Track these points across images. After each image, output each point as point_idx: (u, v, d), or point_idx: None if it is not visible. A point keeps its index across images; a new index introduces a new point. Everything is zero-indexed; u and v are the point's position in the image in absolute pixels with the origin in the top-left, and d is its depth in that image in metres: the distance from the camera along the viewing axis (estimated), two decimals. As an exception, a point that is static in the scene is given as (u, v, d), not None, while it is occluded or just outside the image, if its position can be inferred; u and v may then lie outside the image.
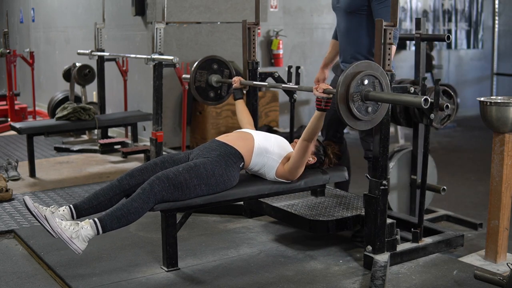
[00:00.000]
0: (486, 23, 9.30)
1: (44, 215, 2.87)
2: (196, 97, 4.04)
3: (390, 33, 3.04)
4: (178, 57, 4.66)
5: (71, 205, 3.07)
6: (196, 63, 4.00)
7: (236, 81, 3.80)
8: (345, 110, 2.86)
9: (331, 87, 3.04)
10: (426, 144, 3.46)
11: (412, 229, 3.42)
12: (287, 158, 3.36)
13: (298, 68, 4.00)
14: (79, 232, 2.86)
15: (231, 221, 4.04)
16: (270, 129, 6.41)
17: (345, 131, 3.99)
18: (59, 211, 3.01)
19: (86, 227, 2.88)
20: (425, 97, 2.66)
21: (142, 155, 5.84)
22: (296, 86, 3.44)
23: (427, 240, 3.42)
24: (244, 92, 3.88)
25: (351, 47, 3.66)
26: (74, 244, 2.85)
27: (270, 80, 3.99)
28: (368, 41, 3.61)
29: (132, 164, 5.72)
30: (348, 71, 2.84)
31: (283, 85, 3.69)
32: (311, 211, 3.61)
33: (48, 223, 2.84)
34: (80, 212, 3.07)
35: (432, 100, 3.36)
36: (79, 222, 2.91)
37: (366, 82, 2.86)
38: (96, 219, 2.90)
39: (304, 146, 3.22)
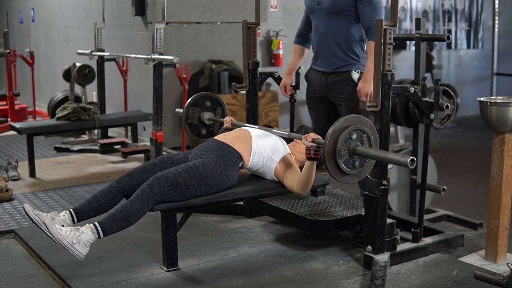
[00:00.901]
0: (486, 23, 9.30)
1: (44, 222, 2.87)
2: (188, 134, 4.07)
3: (390, 33, 3.04)
4: (178, 57, 4.67)
5: (71, 210, 3.07)
6: (189, 100, 4.01)
7: (228, 121, 3.80)
8: (333, 164, 2.90)
9: (320, 137, 3.08)
10: (426, 144, 3.46)
11: (412, 229, 3.42)
12: (285, 159, 3.36)
13: (297, 69, 4.00)
14: (80, 238, 2.86)
15: (231, 221, 4.04)
16: (270, 129, 6.41)
17: None
18: (59, 216, 3.00)
19: (87, 231, 2.88)
20: (411, 157, 2.70)
21: (142, 155, 5.84)
22: (286, 133, 3.42)
23: (427, 240, 3.42)
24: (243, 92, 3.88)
25: (334, 47, 3.65)
26: (76, 250, 2.85)
27: (270, 80, 3.98)
28: (353, 41, 3.62)
29: (132, 164, 5.72)
30: (337, 125, 2.88)
31: (273, 129, 3.58)
32: (311, 211, 3.61)
33: (49, 230, 2.85)
34: (80, 215, 3.07)
35: (432, 100, 3.36)
36: (79, 227, 2.91)
37: (354, 136, 2.91)
38: (96, 223, 2.90)
39: (303, 188, 3.20)
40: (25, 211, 2.91)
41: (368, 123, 2.97)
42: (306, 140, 3.07)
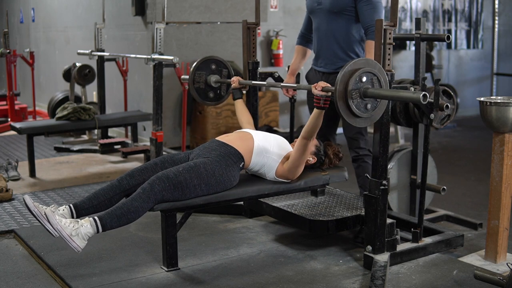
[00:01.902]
0: (486, 23, 9.30)
1: (44, 213, 2.86)
2: (196, 98, 4.04)
3: (390, 33, 3.04)
4: (178, 57, 4.67)
5: (71, 205, 3.07)
6: (194, 64, 3.99)
7: (235, 81, 3.80)
8: (344, 107, 2.86)
9: (329, 85, 3.04)
10: (426, 144, 3.46)
11: (412, 229, 3.42)
12: (286, 158, 3.37)
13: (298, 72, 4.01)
14: (79, 230, 2.86)
15: (231, 221, 4.04)
16: (270, 129, 6.41)
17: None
18: (59, 210, 3.01)
19: (86, 225, 2.88)
20: (423, 92, 2.66)
21: (142, 155, 5.84)
22: (295, 85, 3.44)
23: (427, 240, 3.42)
24: (244, 92, 3.88)
25: (335, 47, 3.66)
26: (74, 242, 2.85)
27: (270, 80, 3.99)
28: (353, 41, 3.62)
29: (132, 164, 5.72)
30: (346, 69, 2.84)
31: (282, 83, 3.69)
32: (311, 211, 3.61)
33: (48, 221, 2.84)
34: (80, 211, 3.07)
35: (432, 100, 3.37)
36: (78, 220, 2.91)
37: (364, 79, 2.87)
38: (96, 217, 2.90)
39: (303, 145, 3.23)
40: (25, 203, 2.90)
41: (376, 65, 2.93)
42: (316, 89, 3.06)
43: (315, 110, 3.11)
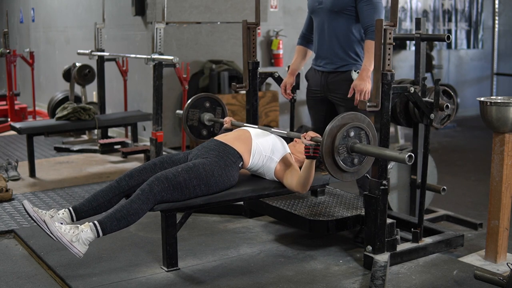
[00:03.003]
0: (486, 23, 9.30)
1: (44, 220, 2.86)
2: (189, 136, 4.07)
3: (390, 33, 3.04)
4: (178, 57, 4.67)
5: (70, 208, 3.07)
6: (188, 102, 4.01)
7: (227, 121, 3.81)
8: (331, 162, 2.90)
9: (318, 135, 3.07)
10: (426, 144, 3.46)
11: (412, 229, 3.42)
12: (285, 159, 3.36)
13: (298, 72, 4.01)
14: (79, 236, 2.85)
15: (231, 221, 4.04)
16: (270, 129, 6.41)
17: None
18: (58, 214, 3.00)
19: (86, 230, 2.87)
20: (409, 153, 2.70)
21: (142, 155, 5.84)
22: (285, 132, 3.42)
23: (427, 240, 3.42)
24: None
25: (335, 47, 3.66)
26: (75, 248, 2.85)
27: (270, 80, 3.98)
28: (353, 40, 3.62)
29: (132, 164, 5.72)
30: (334, 123, 2.88)
31: (272, 129, 3.57)
32: (311, 211, 3.61)
33: (48, 228, 2.85)
34: (79, 214, 3.07)
35: (432, 100, 3.36)
36: (78, 225, 2.90)
37: (352, 134, 2.91)
38: (96, 222, 2.89)
39: (299, 190, 3.23)
40: (24, 208, 2.91)
41: (365, 120, 2.97)
42: (305, 138, 3.08)
43: (305, 160, 3.12)
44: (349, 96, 3.53)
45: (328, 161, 2.89)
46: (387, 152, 2.85)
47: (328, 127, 2.87)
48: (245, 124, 3.69)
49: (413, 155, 2.71)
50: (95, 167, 5.64)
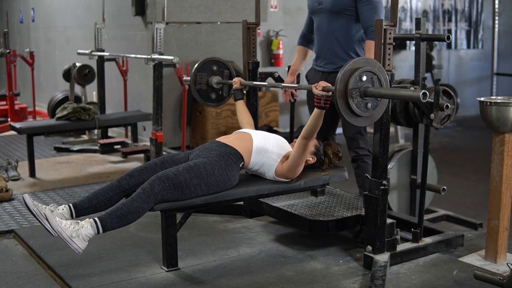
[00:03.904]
0: (486, 23, 9.30)
1: (44, 214, 2.86)
2: (198, 99, 4.03)
3: (390, 33, 3.04)
4: (178, 57, 4.66)
5: (70, 204, 3.07)
6: (195, 65, 3.99)
7: (236, 81, 3.80)
8: (345, 106, 2.87)
9: (330, 85, 3.04)
10: (426, 144, 3.46)
11: (412, 229, 3.42)
12: (286, 157, 3.37)
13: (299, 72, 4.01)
14: (79, 231, 2.85)
15: (231, 221, 4.04)
16: (270, 129, 6.41)
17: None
18: (58, 209, 3.01)
19: (87, 226, 2.87)
20: (423, 91, 2.66)
21: (142, 155, 5.84)
22: (296, 85, 3.44)
23: (427, 240, 3.42)
24: (244, 92, 3.89)
25: (335, 47, 3.66)
26: (74, 243, 2.84)
27: (270, 80, 3.99)
28: (353, 40, 3.63)
29: (132, 164, 5.72)
30: (346, 68, 2.84)
31: (283, 84, 3.69)
32: (311, 211, 3.61)
33: (48, 222, 2.84)
34: (79, 211, 3.07)
35: (432, 100, 3.37)
36: (79, 221, 2.90)
37: (364, 78, 2.87)
38: (96, 218, 2.89)
39: (303, 144, 3.23)
40: (25, 202, 2.90)
41: (376, 64, 2.94)
42: (317, 88, 3.06)
43: (315, 110, 3.11)
44: None
45: (342, 106, 2.85)
46: (401, 92, 2.82)
47: (340, 73, 2.84)
48: (254, 82, 3.76)
49: (427, 92, 2.68)
50: (95, 167, 5.64)
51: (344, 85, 2.84)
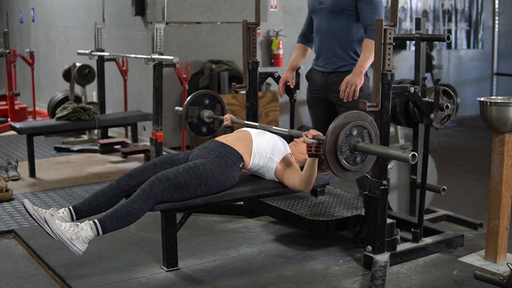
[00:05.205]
0: (486, 23, 9.30)
1: (44, 218, 2.87)
2: (189, 133, 4.06)
3: (390, 33, 3.04)
4: (178, 57, 4.67)
5: (70, 207, 3.07)
6: (188, 99, 4.00)
7: (228, 119, 3.80)
8: (334, 161, 2.91)
9: (320, 133, 3.08)
10: (426, 144, 3.46)
11: (412, 229, 3.42)
12: (286, 159, 3.36)
13: (298, 68, 4.00)
14: (79, 234, 2.86)
15: (231, 221, 4.04)
16: (270, 129, 6.41)
17: None
18: (58, 213, 3.00)
19: (86, 228, 2.88)
20: (412, 153, 2.71)
21: (142, 155, 5.84)
22: (286, 130, 3.42)
23: (427, 240, 3.42)
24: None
25: (335, 47, 3.66)
26: (75, 246, 2.85)
27: (270, 80, 3.98)
28: (353, 40, 3.63)
29: (132, 164, 5.72)
30: (337, 122, 2.89)
31: (273, 127, 3.52)
32: (311, 211, 3.61)
33: (48, 225, 2.85)
34: (79, 213, 3.07)
35: (432, 100, 3.36)
36: (78, 223, 2.91)
37: (355, 132, 2.92)
38: (96, 220, 2.89)
39: (302, 189, 3.25)
40: (24, 207, 2.91)
41: (367, 118, 2.98)
42: (307, 136, 3.08)
43: (308, 159, 3.12)
44: (340, 92, 3.50)
45: (331, 159, 2.90)
46: (390, 151, 2.85)
47: (331, 126, 2.88)
48: (245, 122, 3.68)
49: (416, 154, 2.72)
50: (95, 167, 5.64)
51: (334, 139, 2.88)
